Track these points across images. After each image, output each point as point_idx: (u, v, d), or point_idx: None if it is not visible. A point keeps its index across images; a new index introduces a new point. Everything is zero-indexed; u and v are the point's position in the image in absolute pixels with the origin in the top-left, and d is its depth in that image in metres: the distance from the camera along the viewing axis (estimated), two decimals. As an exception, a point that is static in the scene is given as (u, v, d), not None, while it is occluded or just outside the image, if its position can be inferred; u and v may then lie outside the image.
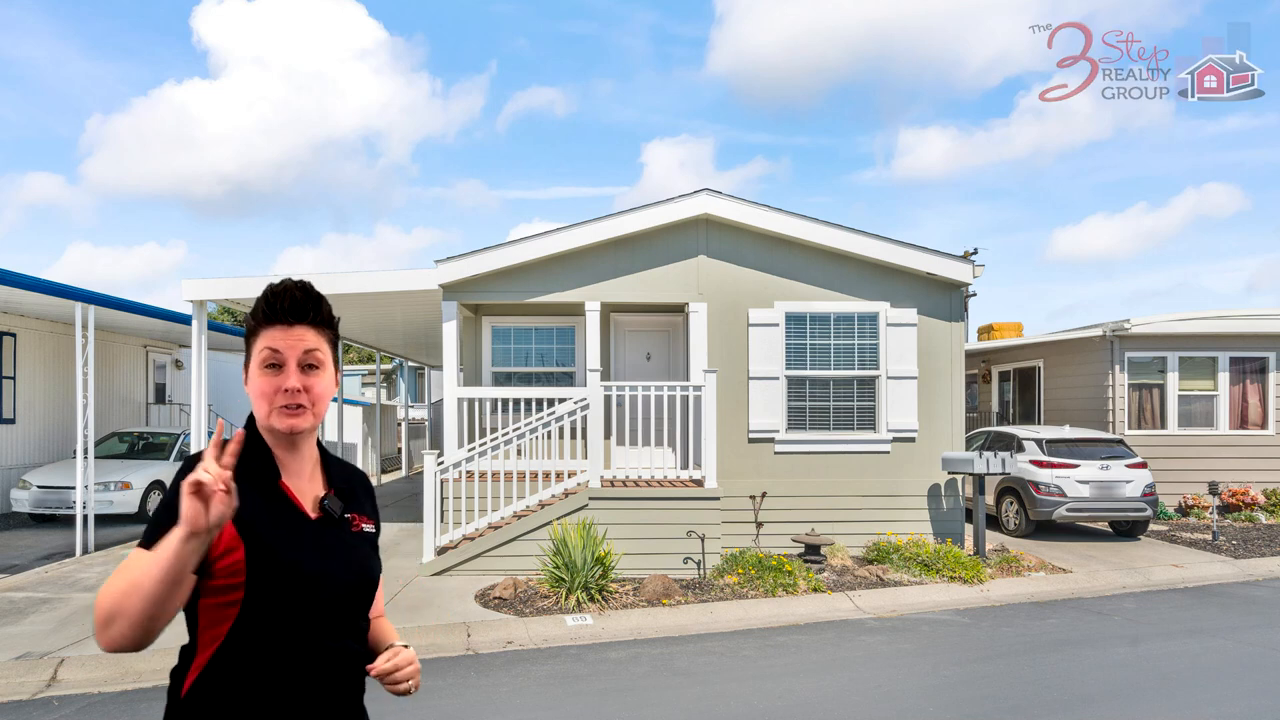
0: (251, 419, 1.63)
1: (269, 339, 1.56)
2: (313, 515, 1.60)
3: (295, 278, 1.62)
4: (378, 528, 1.77)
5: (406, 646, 1.69)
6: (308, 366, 1.57)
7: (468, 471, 9.13)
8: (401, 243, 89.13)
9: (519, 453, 9.44)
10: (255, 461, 1.57)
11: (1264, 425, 13.74)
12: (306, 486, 1.65)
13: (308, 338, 1.57)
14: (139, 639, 1.36)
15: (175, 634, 1.58)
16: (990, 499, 12.22)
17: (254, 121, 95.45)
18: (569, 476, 9.31)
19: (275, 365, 1.56)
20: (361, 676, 1.65)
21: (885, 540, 9.59)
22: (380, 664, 1.62)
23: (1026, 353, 16.33)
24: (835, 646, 6.81)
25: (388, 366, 30.27)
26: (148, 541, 1.53)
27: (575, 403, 9.32)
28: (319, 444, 1.74)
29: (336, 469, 1.73)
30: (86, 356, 10.13)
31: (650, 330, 11.62)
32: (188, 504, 1.26)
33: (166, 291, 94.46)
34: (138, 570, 1.33)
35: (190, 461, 1.60)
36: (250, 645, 1.50)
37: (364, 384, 31.72)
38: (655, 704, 5.44)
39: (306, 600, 1.51)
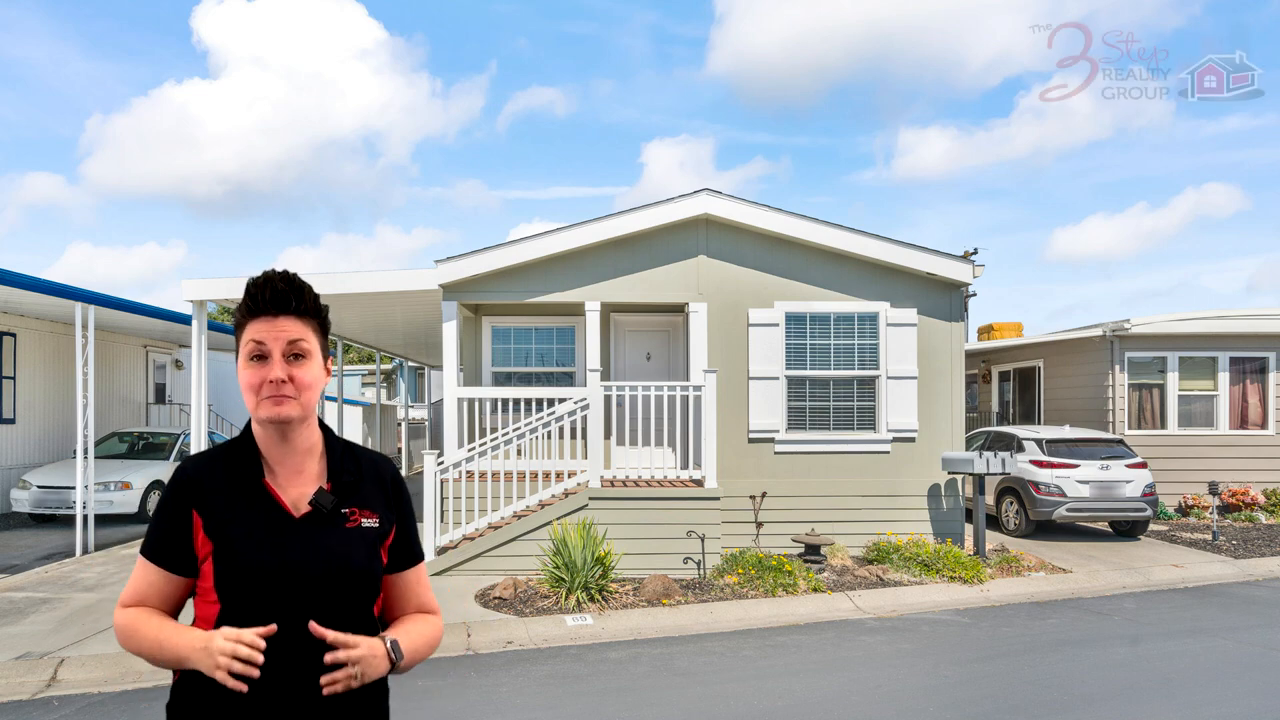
0: (249, 422, 1.67)
1: (254, 331, 1.58)
2: (296, 513, 1.60)
3: (278, 269, 1.62)
4: (395, 519, 1.72)
5: (391, 642, 1.60)
6: (293, 356, 1.59)
7: (468, 471, 9.13)
8: (401, 243, 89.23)
9: (519, 453, 9.43)
10: (242, 462, 1.63)
11: (1264, 425, 13.74)
12: (299, 481, 1.64)
13: (292, 328, 1.59)
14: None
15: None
16: (990, 499, 12.22)
17: (254, 121, 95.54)
18: (569, 476, 9.30)
19: (260, 357, 1.58)
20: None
21: (885, 540, 9.59)
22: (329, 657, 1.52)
23: (1026, 353, 16.32)
24: (835, 646, 6.81)
25: (388, 366, 30.28)
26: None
27: (575, 403, 9.31)
28: (330, 435, 1.72)
29: (347, 462, 1.70)
30: (86, 356, 10.13)
31: (650, 330, 11.61)
32: (222, 661, 1.46)
33: (166, 291, 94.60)
34: (150, 636, 1.57)
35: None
36: None
37: (364, 384, 31.74)
38: (655, 704, 5.44)
39: (271, 595, 1.54)
